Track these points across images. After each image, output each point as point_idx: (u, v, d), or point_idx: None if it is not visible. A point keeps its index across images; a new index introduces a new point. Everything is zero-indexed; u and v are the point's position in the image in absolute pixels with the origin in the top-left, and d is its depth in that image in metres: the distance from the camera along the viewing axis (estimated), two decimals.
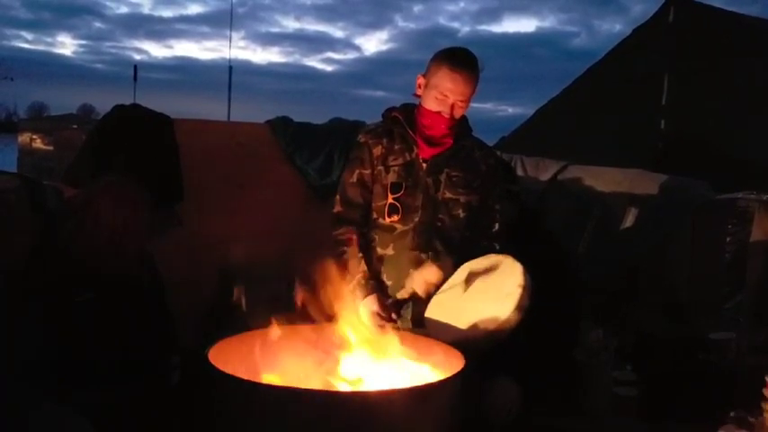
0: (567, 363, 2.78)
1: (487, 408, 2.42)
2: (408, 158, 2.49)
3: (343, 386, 1.98)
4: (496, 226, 2.56)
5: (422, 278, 2.35)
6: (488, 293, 2.22)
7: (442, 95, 2.39)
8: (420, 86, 2.48)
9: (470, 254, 2.44)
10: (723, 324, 3.21)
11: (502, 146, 6.36)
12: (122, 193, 2.57)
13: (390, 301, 2.41)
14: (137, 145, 3.77)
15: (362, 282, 2.42)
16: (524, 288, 2.14)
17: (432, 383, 1.83)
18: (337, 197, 2.57)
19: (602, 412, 2.68)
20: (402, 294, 2.39)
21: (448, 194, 2.48)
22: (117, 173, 2.76)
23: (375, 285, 2.42)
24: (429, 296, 2.38)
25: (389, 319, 2.36)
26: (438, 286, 2.37)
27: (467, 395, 1.88)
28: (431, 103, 2.42)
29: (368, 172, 2.51)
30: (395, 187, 2.47)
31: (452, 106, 2.40)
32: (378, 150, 2.51)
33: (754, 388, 2.40)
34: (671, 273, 3.79)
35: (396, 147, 2.50)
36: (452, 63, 2.39)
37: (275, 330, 2.15)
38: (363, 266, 2.44)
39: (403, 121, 2.50)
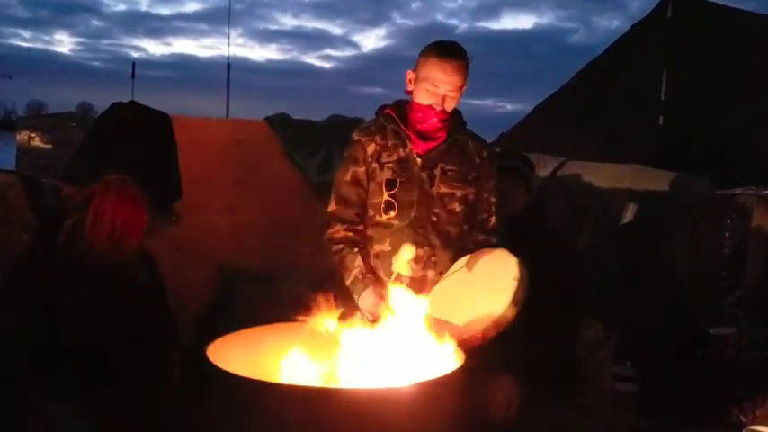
0: (566, 358, 2.78)
1: (488, 403, 2.42)
2: (402, 154, 2.49)
3: (342, 383, 1.98)
4: (492, 220, 2.55)
5: (400, 259, 2.34)
6: (484, 287, 2.22)
7: (432, 86, 2.38)
8: (410, 82, 2.48)
9: (468, 247, 2.44)
10: (723, 319, 3.21)
11: (501, 142, 6.36)
12: (121, 191, 2.57)
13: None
14: (135, 143, 3.77)
15: (359, 277, 2.42)
16: (520, 281, 2.13)
17: (432, 380, 1.83)
18: (332, 196, 2.57)
19: (602, 408, 2.68)
20: (392, 282, 2.38)
21: (443, 189, 2.47)
22: (115, 171, 2.76)
23: (372, 279, 2.42)
24: (413, 274, 2.38)
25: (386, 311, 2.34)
26: (418, 261, 2.37)
27: (467, 391, 1.88)
28: (422, 97, 2.41)
29: (362, 170, 2.51)
30: (390, 184, 2.47)
31: (444, 98, 2.39)
32: (371, 148, 2.51)
33: (755, 383, 2.40)
34: (670, 268, 3.79)
35: (389, 143, 2.50)
36: (440, 53, 2.40)
37: (275, 327, 2.16)
38: (359, 261, 2.44)
39: (396, 116, 2.50)
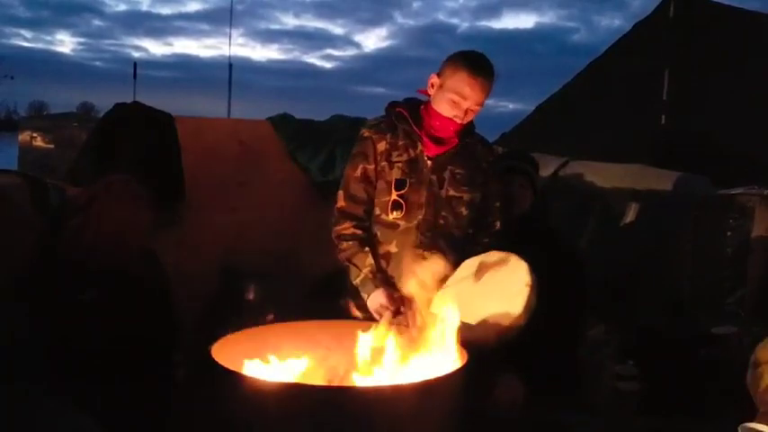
0: (570, 358, 2.78)
1: (492, 402, 2.42)
2: (413, 155, 2.48)
3: (346, 382, 1.99)
4: (497, 224, 2.56)
5: (429, 273, 2.34)
6: (495, 293, 2.22)
7: (458, 98, 2.37)
8: (432, 86, 2.45)
9: (472, 251, 2.44)
10: (724, 318, 3.21)
11: (503, 142, 6.36)
12: (125, 192, 2.58)
13: (397, 294, 2.41)
14: (138, 143, 3.78)
15: (370, 276, 2.42)
16: (532, 287, 2.14)
17: (435, 378, 1.84)
18: (340, 192, 2.56)
19: (604, 407, 2.69)
20: (408, 289, 2.39)
21: (452, 192, 2.48)
22: (119, 171, 2.77)
23: (382, 279, 2.43)
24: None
25: (397, 312, 2.36)
26: (443, 281, 2.37)
27: (471, 390, 1.89)
28: (444, 107, 2.40)
29: (372, 167, 2.51)
30: (399, 184, 2.47)
31: (466, 112, 2.39)
32: (382, 146, 2.50)
33: None
34: (672, 268, 3.79)
35: (400, 143, 2.50)
36: (472, 68, 2.37)
37: (278, 326, 2.17)
38: (370, 260, 2.44)
39: (408, 117, 2.49)
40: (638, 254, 3.93)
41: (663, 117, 5.85)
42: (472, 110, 2.40)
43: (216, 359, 1.84)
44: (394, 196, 2.46)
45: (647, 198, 4.07)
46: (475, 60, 2.40)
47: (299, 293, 3.63)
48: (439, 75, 2.44)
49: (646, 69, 6.07)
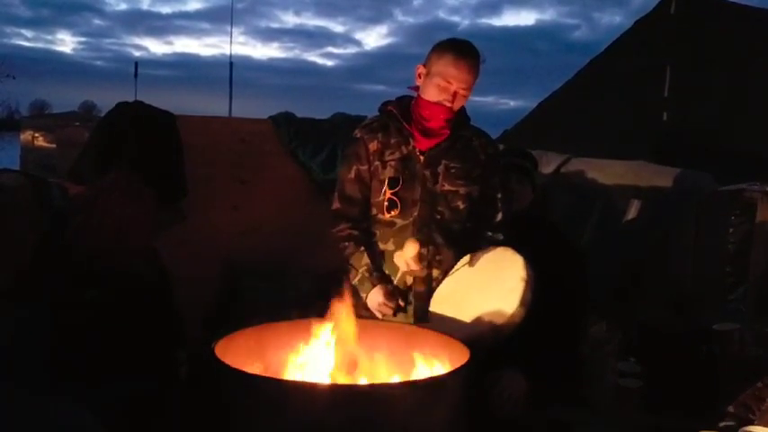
0: (571, 355, 2.78)
1: (493, 400, 2.43)
2: (405, 152, 2.48)
3: (347, 380, 1.99)
4: (499, 216, 2.55)
5: (402, 258, 2.35)
6: (491, 288, 2.22)
7: (444, 82, 2.37)
8: (420, 76, 2.46)
9: (473, 245, 2.44)
10: (727, 315, 3.20)
11: (505, 139, 6.37)
12: (127, 190, 2.58)
13: (395, 291, 2.42)
14: (141, 142, 3.77)
15: (367, 275, 2.43)
16: (527, 282, 2.13)
17: (437, 376, 1.84)
18: (336, 194, 2.57)
19: (606, 404, 2.69)
20: (397, 282, 2.40)
21: (447, 186, 2.46)
22: (121, 170, 2.77)
23: (379, 277, 2.43)
24: (416, 274, 2.40)
25: (396, 309, 2.37)
26: (422, 259, 2.38)
27: (472, 387, 1.89)
28: (431, 93, 2.40)
29: (365, 168, 2.51)
30: (392, 182, 2.46)
31: (454, 95, 2.38)
32: (373, 145, 2.50)
33: (759, 379, 2.40)
34: (674, 264, 3.79)
35: (392, 141, 2.49)
36: (457, 50, 2.39)
37: (281, 325, 2.17)
38: (366, 260, 2.44)
39: (398, 113, 2.49)
40: (639, 250, 3.92)
41: (664, 114, 5.86)
42: (461, 94, 2.39)
43: (219, 357, 1.85)
44: (388, 195, 2.45)
45: (649, 194, 4.06)
46: (459, 44, 2.43)
47: (300, 291, 3.64)
48: (425, 64, 2.45)
49: (647, 66, 6.07)
